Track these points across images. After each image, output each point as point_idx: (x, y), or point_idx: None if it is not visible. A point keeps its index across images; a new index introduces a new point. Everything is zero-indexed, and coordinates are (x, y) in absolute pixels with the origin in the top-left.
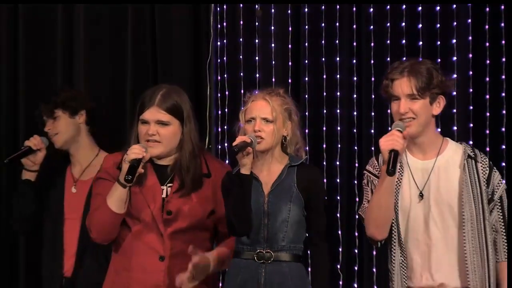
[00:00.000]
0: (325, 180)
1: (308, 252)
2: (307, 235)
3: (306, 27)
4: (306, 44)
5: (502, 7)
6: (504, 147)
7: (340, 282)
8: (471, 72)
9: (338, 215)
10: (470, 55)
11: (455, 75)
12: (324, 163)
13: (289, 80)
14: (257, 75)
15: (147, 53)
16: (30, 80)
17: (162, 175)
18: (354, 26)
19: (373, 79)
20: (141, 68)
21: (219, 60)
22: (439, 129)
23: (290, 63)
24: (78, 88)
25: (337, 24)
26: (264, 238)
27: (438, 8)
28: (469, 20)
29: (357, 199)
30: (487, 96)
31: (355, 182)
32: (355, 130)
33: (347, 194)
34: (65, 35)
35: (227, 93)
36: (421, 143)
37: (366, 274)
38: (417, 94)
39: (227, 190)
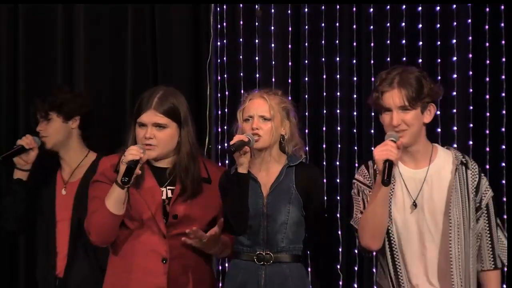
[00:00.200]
0: (325, 180)
1: (308, 252)
2: (306, 235)
3: (306, 27)
4: (306, 44)
5: (502, 7)
6: (504, 147)
7: (340, 282)
8: (471, 72)
9: (338, 215)
10: (470, 55)
11: (455, 75)
12: (324, 163)
13: (289, 80)
14: (257, 75)
15: (147, 53)
16: (30, 80)
17: (161, 177)
18: (354, 26)
19: (373, 79)
20: (141, 68)
21: (219, 60)
22: (439, 129)
23: (290, 63)
24: (78, 88)
25: (337, 24)
26: (264, 240)
27: (438, 8)
28: (469, 20)
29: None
30: (487, 96)
31: None
32: (355, 130)
33: (347, 194)
34: (65, 35)
35: (227, 93)
36: (414, 152)
37: (366, 274)
38: (409, 105)
39: (225, 190)
